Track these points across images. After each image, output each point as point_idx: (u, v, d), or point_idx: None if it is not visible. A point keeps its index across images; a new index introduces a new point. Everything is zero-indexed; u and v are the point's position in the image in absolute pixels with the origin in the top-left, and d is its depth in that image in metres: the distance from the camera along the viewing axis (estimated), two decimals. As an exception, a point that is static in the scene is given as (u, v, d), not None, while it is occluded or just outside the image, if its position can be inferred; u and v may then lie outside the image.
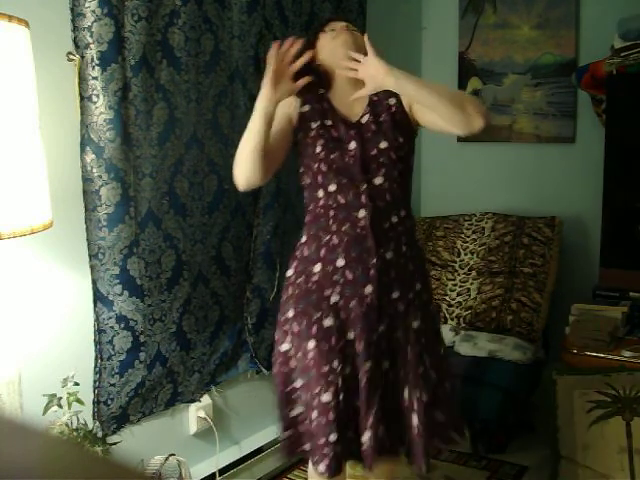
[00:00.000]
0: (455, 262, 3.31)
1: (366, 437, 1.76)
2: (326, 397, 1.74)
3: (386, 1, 3.38)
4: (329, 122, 1.84)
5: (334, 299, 1.78)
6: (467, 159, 3.61)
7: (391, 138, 1.81)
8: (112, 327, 2.08)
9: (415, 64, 3.69)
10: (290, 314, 1.84)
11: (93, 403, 2.06)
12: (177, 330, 2.29)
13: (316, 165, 1.82)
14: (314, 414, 1.77)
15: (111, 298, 2.07)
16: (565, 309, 2.85)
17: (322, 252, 1.81)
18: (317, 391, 1.75)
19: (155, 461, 2.08)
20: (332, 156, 1.80)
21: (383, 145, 1.80)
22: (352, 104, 1.86)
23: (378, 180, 1.80)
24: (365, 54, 1.77)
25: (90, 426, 1.91)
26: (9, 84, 1.41)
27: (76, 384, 1.83)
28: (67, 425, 1.76)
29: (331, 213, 1.81)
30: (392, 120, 1.84)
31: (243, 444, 2.65)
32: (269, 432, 2.76)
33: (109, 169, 2.00)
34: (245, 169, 1.80)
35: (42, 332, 1.94)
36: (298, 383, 1.82)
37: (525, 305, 3.04)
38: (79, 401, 1.81)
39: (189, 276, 2.31)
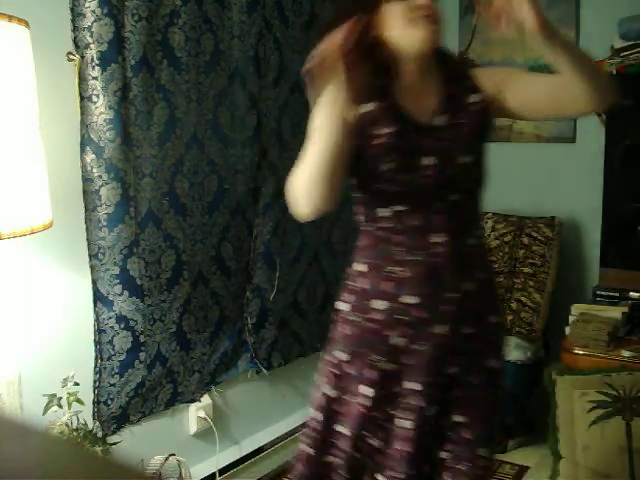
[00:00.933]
0: (455, 262, 3.30)
1: None
2: (376, 443, 1.53)
3: (386, 1, 3.38)
4: (393, 128, 1.41)
5: (397, 341, 1.48)
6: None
7: (472, 149, 1.46)
8: (112, 327, 2.08)
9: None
10: (343, 356, 1.54)
11: (93, 403, 2.06)
12: (177, 330, 2.30)
13: (379, 185, 1.45)
14: (358, 455, 1.55)
15: (111, 298, 2.07)
16: (565, 309, 2.85)
17: (387, 286, 1.46)
18: (368, 437, 1.53)
19: (155, 461, 2.08)
20: (401, 176, 1.42)
21: (464, 159, 1.44)
22: (422, 99, 1.45)
23: (454, 196, 1.45)
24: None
25: (90, 426, 1.91)
26: (9, 84, 1.41)
27: (76, 384, 1.83)
28: (67, 425, 1.76)
29: (397, 238, 1.45)
30: (473, 123, 1.45)
31: (243, 444, 2.65)
32: (269, 432, 2.76)
33: (109, 169, 2.00)
34: (318, 195, 1.38)
35: (42, 332, 1.94)
36: (339, 428, 1.56)
37: (525, 305, 3.04)
38: (79, 401, 1.81)
39: (189, 276, 2.31)
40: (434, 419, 1.50)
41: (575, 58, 1.33)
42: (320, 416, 1.58)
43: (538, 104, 1.47)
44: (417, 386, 1.48)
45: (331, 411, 1.57)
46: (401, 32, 1.39)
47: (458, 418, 1.51)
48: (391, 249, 1.46)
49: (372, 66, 1.41)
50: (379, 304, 1.48)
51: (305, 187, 1.40)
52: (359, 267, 1.53)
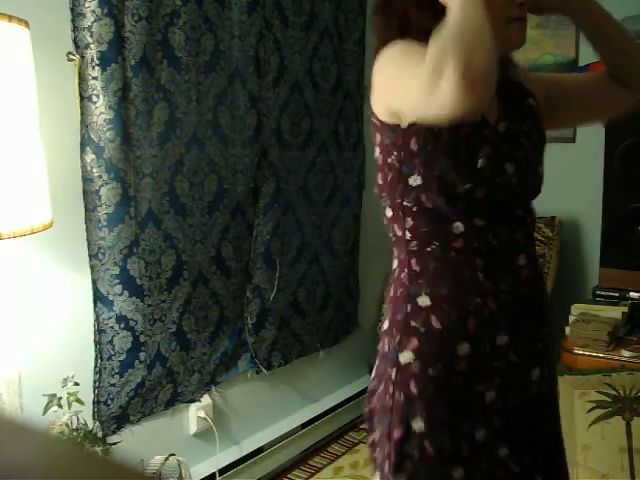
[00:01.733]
0: (455, 262, 3.30)
1: None
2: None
3: (386, 1, 3.38)
4: (467, 128, 1.16)
5: (490, 397, 1.18)
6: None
7: (542, 157, 1.31)
8: (112, 327, 2.08)
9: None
10: (420, 426, 1.17)
11: (93, 403, 2.06)
12: (177, 330, 2.30)
13: (468, 186, 1.15)
14: None
15: (111, 298, 2.07)
16: (565, 309, 2.85)
17: (470, 325, 1.17)
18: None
19: (155, 461, 2.08)
20: (498, 179, 1.18)
21: (539, 170, 1.29)
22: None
23: (527, 209, 1.26)
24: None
25: (90, 426, 1.91)
26: (9, 84, 1.41)
27: (76, 384, 1.82)
28: (67, 425, 1.76)
29: (478, 261, 1.17)
30: (539, 128, 1.29)
31: (243, 444, 2.65)
32: (269, 432, 2.76)
33: (109, 169, 2.00)
34: (482, 58, 0.96)
35: (42, 332, 1.94)
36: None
37: (525, 305, 3.03)
38: (79, 401, 1.81)
39: (189, 276, 2.31)
40: None
41: (616, 31, 1.24)
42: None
43: (586, 104, 1.38)
44: (511, 457, 1.20)
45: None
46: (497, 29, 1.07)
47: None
48: (470, 275, 1.17)
49: None
50: (463, 349, 1.16)
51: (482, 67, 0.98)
52: (425, 300, 1.19)
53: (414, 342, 1.19)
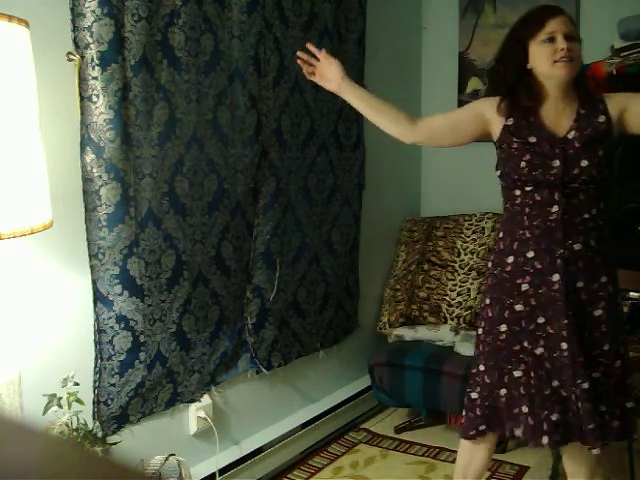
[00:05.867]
0: (455, 262, 3.31)
1: (581, 410, 1.86)
2: (517, 373, 1.92)
3: (386, 1, 3.38)
4: (533, 139, 1.89)
5: (524, 287, 1.91)
6: (467, 159, 3.60)
7: (592, 154, 1.86)
8: (112, 327, 2.08)
9: (415, 64, 3.69)
10: (487, 301, 2.00)
11: (93, 403, 2.06)
12: (177, 330, 2.30)
13: (517, 177, 1.90)
14: (503, 391, 1.94)
15: (111, 298, 2.07)
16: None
17: (515, 245, 1.93)
18: (508, 368, 1.93)
19: (155, 461, 2.08)
20: (534, 173, 1.88)
21: (584, 163, 1.85)
22: (560, 118, 1.90)
23: (573, 184, 1.87)
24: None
25: (90, 426, 1.91)
26: (9, 84, 1.41)
27: (76, 384, 1.82)
28: (67, 425, 1.76)
29: (526, 210, 1.91)
30: (596, 135, 1.87)
31: (243, 444, 2.65)
32: (269, 432, 2.76)
33: (109, 169, 2.00)
34: (388, 132, 2.06)
35: (42, 332, 1.94)
36: (481, 367, 1.98)
37: (525, 305, 3.05)
38: (79, 401, 1.81)
39: (189, 276, 2.31)
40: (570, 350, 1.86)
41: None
42: (475, 358, 2.03)
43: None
44: (546, 322, 1.89)
45: (479, 353, 2.01)
46: (546, 69, 1.87)
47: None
48: (521, 218, 1.92)
49: (525, 90, 1.90)
50: (510, 259, 1.94)
51: (382, 128, 2.07)
52: (500, 234, 2.00)
53: (491, 256, 2.05)
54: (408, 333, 3.21)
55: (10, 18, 1.41)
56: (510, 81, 1.92)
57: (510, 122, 1.92)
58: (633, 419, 1.96)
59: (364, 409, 3.28)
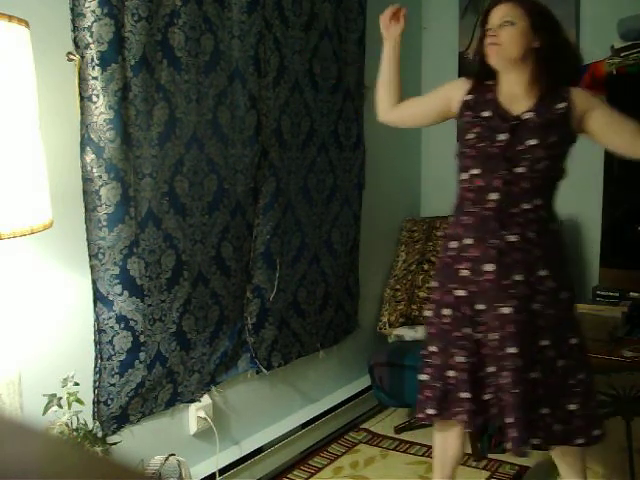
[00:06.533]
0: (455, 262, 3.30)
1: (506, 399, 1.90)
2: (459, 359, 1.96)
3: (386, 1, 3.38)
4: (487, 113, 1.94)
5: (464, 273, 1.95)
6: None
7: (542, 137, 1.87)
8: (112, 327, 2.08)
9: (415, 64, 3.69)
10: (434, 284, 2.07)
11: (93, 403, 2.06)
12: (177, 330, 2.30)
13: (466, 150, 1.95)
14: (451, 372, 1.99)
15: (111, 298, 2.07)
16: (565, 309, 2.84)
17: (459, 231, 1.97)
18: (453, 352, 1.97)
19: (155, 461, 2.08)
20: (480, 144, 1.92)
21: (532, 142, 1.87)
22: (517, 99, 1.94)
23: (519, 169, 1.88)
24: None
25: (90, 426, 1.91)
26: (9, 84, 1.41)
27: (76, 384, 1.82)
28: (67, 425, 1.76)
29: (469, 195, 1.94)
30: (552, 120, 1.89)
31: (243, 444, 2.65)
32: (269, 432, 2.76)
33: (109, 169, 2.00)
34: (377, 100, 2.15)
35: (42, 332, 1.94)
36: (432, 348, 2.03)
37: (525, 305, 3.04)
38: (79, 401, 1.81)
39: (189, 276, 2.31)
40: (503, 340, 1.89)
41: None
42: (426, 340, 2.08)
43: (612, 143, 1.95)
44: (482, 306, 1.93)
45: (429, 334, 2.06)
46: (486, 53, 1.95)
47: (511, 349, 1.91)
48: (465, 203, 1.95)
49: (484, 71, 1.98)
50: (454, 244, 1.98)
51: (377, 93, 2.17)
52: (451, 218, 2.04)
53: (443, 239, 2.07)
54: (408, 333, 3.21)
55: (10, 18, 1.41)
56: (477, 65, 2.02)
57: (469, 97, 1.99)
58: (589, 421, 1.95)
59: (364, 409, 3.28)
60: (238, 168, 2.47)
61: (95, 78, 1.95)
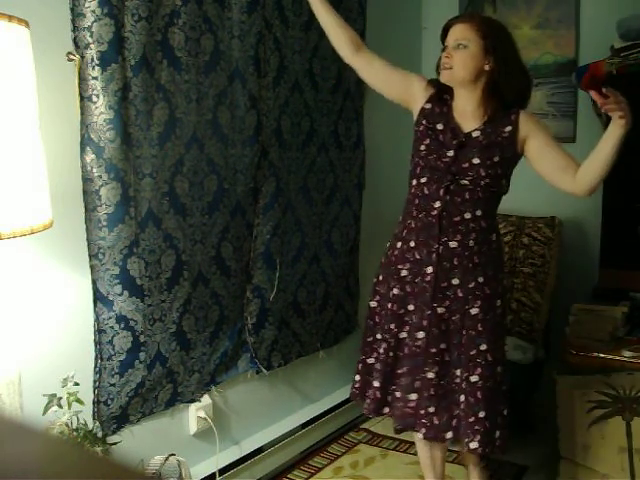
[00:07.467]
0: (455, 262, 3.31)
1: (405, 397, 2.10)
2: (381, 350, 2.13)
3: (386, 1, 3.38)
4: (440, 126, 2.06)
5: (404, 273, 2.09)
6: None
7: (486, 157, 2.00)
8: (112, 327, 2.08)
9: (415, 64, 3.69)
10: (380, 278, 2.20)
11: (93, 403, 2.06)
12: (177, 330, 2.30)
13: (417, 159, 2.09)
14: (373, 359, 2.16)
15: (111, 298, 2.07)
16: (565, 309, 2.85)
17: (404, 233, 2.11)
18: (378, 344, 2.14)
19: (155, 461, 2.08)
20: (430, 157, 2.05)
21: (475, 161, 2.00)
22: (469, 117, 2.06)
23: (463, 182, 2.01)
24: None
25: (90, 426, 1.91)
26: (9, 84, 1.41)
27: (76, 384, 1.82)
28: (67, 425, 1.76)
29: (416, 201, 2.08)
30: (496, 143, 2.02)
31: (243, 444, 2.65)
32: (269, 432, 2.76)
33: (109, 169, 2.00)
34: (335, 47, 2.22)
35: (42, 332, 1.94)
36: (379, 335, 2.16)
37: (525, 305, 3.04)
38: (79, 401, 1.81)
39: (189, 276, 2.31)
40: (426, 342, 2.05)
41: (608, 165, 1.97)
42: (367, 324, 2.22)
43: (540, 170, 2.04)
44: (414, 310, 2.07)
45: (374, 321, 2.19)
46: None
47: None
48: (412, 208, 2.09)
49: (443, 85, 2.07)
50: (398, 244, 2.13)
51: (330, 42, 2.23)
52: (400, 218, 2.16)
53: (391, 237, 2.20)
54: (408, 333, 3.21)
55: (10, 18, 1.41)
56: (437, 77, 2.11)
57: (428, 106, 2.10)
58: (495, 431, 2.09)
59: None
60: (238, 168, 2.47)
61: (95, 78, 1.95)
